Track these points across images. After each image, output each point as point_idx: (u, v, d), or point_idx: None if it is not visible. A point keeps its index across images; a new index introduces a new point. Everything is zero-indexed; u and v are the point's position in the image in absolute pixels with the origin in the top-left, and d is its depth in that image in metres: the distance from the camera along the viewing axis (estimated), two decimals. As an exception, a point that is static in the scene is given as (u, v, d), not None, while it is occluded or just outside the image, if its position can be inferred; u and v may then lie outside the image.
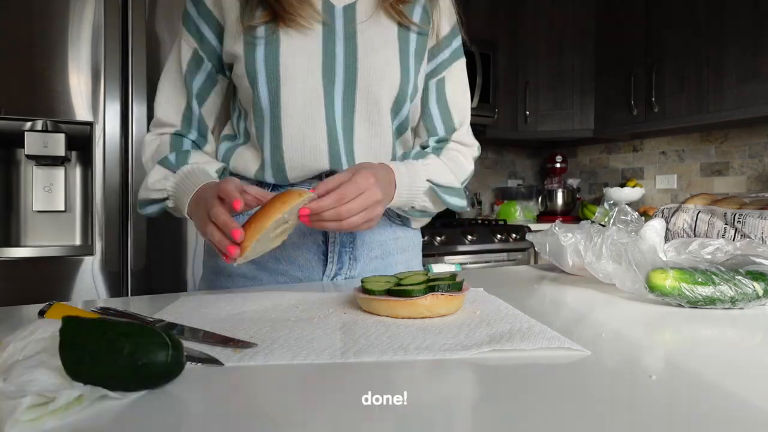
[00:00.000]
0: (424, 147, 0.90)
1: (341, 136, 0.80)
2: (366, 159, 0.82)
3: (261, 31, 0.76)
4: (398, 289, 0.54)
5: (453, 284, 0.55)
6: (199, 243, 1.73)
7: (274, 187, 0.83)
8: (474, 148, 0.94)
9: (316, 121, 0.79)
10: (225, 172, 0.85)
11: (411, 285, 0.55)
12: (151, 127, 0.86)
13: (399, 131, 0.87)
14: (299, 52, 0.77)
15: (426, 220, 0.93)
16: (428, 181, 0.81)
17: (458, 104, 0.91)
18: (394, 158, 0.88)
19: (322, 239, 0.83)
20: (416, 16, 0.84)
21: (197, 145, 0.86)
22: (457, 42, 0.90)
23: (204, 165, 0.79)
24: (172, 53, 0.85)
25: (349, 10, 0.80)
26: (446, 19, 0.88)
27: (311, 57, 0.77)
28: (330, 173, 0.80)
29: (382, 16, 0.81)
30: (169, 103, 0.84)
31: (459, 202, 0.87)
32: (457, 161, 0.88)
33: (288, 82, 0.77)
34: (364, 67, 0.79)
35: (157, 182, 0.78)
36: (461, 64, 0.92)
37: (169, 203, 0.77)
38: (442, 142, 0.90)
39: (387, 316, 0.55)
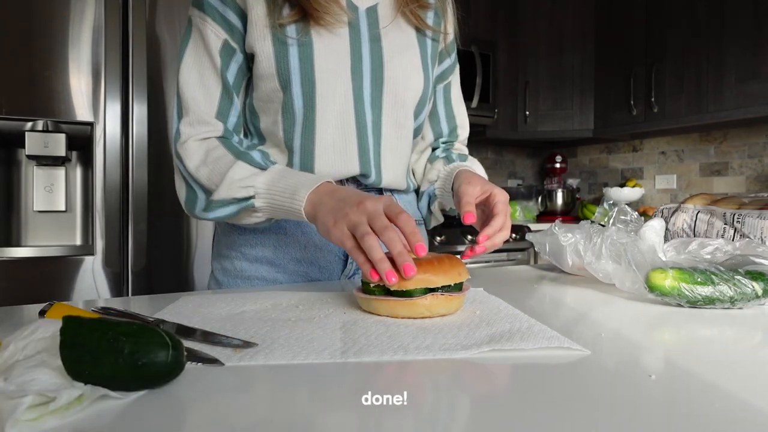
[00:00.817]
0: (434, 148, 0.95)
1: (371, 139, 0.80)
2: (392, 162, 0.83)
3: (292, 30, 0.74)
4: (398, 290, 0.54)
5: (453, 284, 0.55)
6: (199, 243, 1.74)
7: None
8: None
9: (348, 125, 0.78)
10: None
11: None
12: (186, 126, 0.76)
13: (416, 133, 0.89)
14: (331, 53, 0.76)
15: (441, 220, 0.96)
16: None
17: (461, 109, 0.96)
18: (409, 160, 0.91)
19: (344, 252, 0.83)
20: (430, 20, 0.86)
21: None
22: (455, 48, 0.94)
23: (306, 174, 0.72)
24: (191, 45, 0.77)
25: (372, 12, 0.80)
26: (451, 25, 0.90)
27: (342, 58, 0.77)
28: (361, 176, 0.81)
29: (401, 20, 0.82)
30: (208, 101, 0.76)
31: None
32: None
33: (322, 85, 0.76)
34: (391, 70, 0.80)
35: (245, 179, 0.70)
36: (458, 70, 0.96)
37: (256, 202, 0.70)
38: (449, 143, 0.94)
39: (387, 316, 0.55)
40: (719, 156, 2.72)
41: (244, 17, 0.75)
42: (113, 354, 0.33)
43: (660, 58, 2.59)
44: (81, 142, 1.62)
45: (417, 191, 0.95)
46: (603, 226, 0.79)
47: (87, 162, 1.70)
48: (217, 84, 0.76)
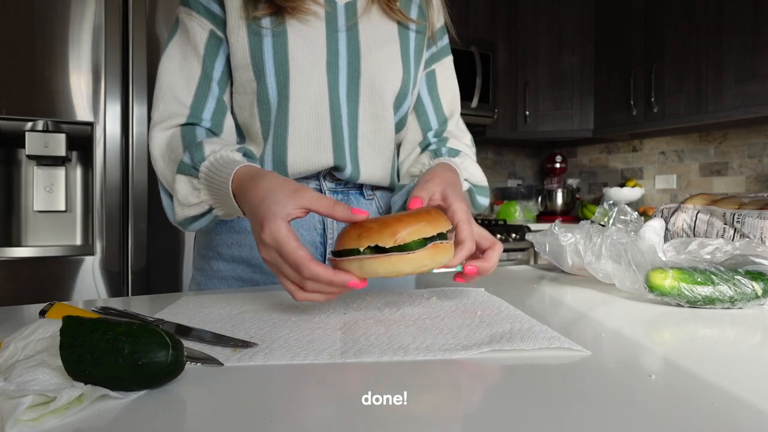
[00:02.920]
0: (426, 145, 0.89)
1: (346, 131, 0.80)
2: (370, 154, 0.82)
3: (266, 22, 0.74)
4: (395, 246, 0.50)
5: (446, 232, 0.53)
6: (199, 243, 1.74)
7: None
8: (467, 138, 0.92)
9: (322, 116, 0.78)
10: (252, 155, 0.70)
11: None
12: (155, 124, 0.75)
13: (399, 126, 0.87)
14: (306, 45, 0.76)
15: None
16: (466, 180, 0.80)
17: (448, 95, 0.91)
18: (395, 154, 0.88)
19: (320, 240, 0.83)
20: (413, 13, 0.84)
21: (213, 134, 0.76)
22: (446, 39, 0.92)
23: (221, 152, 0.65)
24: (176, 38, 0.77)
25: (350, 7, 0.80)
26: (436, 16, 0.89)
27: (316, 51, 0.77)
28: (333, 169, 0.80)
29: (381, 14, 0.81)
30: (186, 87, 0.75)
31: (485, 202, 0.86)
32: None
33: (296, 74, 0.76)
34: (368, 63, 0.79)
35: (189, 196, 0.67)
36: (450, 60, 0.93)
37: (218, 212, 0.68)
38: (440, 135, 0.89)
39: (390, 274, 0.50)
40: (719, 156, 2.72)
41: (224, 10, 0.76)
42: (113, 354, 0.33)
43: (660, 58, 2.59)
44: (81, 142, 1.62)
45: None
46: (603, 226, 0.79)
47: (87, 162, 1.70)
48: (197, 72, 0.75)
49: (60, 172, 1.65)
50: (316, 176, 0.81)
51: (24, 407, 0.29)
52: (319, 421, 0.31)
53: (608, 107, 2.89)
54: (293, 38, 0.75)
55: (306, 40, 0.76)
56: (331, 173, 0.81)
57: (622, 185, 3.05)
